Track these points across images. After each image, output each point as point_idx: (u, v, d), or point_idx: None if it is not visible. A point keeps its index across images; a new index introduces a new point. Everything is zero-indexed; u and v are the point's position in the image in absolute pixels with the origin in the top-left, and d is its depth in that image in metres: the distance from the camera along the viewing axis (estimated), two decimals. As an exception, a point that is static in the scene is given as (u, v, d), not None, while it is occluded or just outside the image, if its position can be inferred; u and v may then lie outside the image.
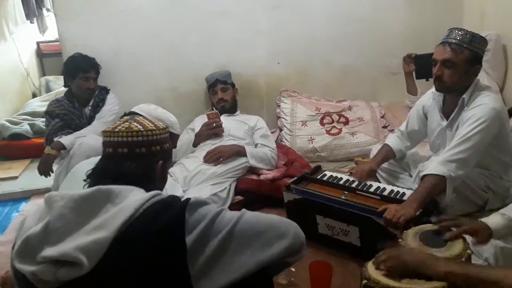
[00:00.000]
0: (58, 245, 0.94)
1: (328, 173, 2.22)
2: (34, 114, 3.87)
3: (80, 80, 2.60)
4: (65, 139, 2.47)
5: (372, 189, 2.03)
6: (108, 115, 2.66)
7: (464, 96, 1.93)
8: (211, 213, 1.02)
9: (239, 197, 2.46)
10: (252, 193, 2.43)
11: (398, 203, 1.78)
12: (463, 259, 1.25)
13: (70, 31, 2.88)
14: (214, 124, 2.73)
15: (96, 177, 1.15)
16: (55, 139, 2.50)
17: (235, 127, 2.80)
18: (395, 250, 1.27)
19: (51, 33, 5.29)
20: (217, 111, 2.82)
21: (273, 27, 3.15)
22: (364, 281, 1.21)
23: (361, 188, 2.02)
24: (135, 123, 1.17)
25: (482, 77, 2.43)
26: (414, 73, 2.64)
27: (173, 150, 1.93)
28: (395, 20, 3.28)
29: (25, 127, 3.59)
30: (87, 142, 2.38)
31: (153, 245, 0.96)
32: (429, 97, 2.16)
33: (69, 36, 2.88)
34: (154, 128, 1.17)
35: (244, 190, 2.46)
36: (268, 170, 2.62)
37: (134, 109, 1.90)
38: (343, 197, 1.92)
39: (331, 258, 1.85)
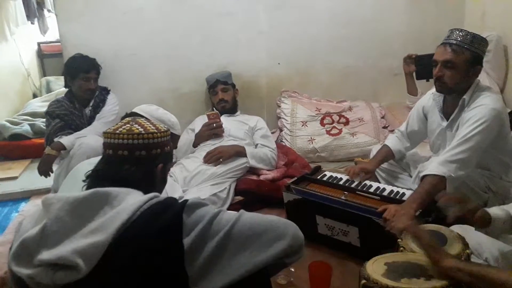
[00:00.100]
0: (55, 248, 0.93)
1: (328, 174, 2.22)
2: (34, 115, 3.87)
3: (81, 80, 2.61)
4: (65, 140, 2.47)
5: (372, 189, 2.03)
6: (108, 115, 2.67)
7: (464, 96, 1.92)
8: (208, 215, 1.02)
9: (239, 198, 2.46)
10: (252, 193, 2.43)
11: (398, 204, 1.78)
12: (462, 259, 1.25)
13: (71, 32, 2.88)
14: (214, 125, 2.73)
15: (95, 179, 1.14)
16: (55, 139, 2.50)
17: (235, 127, 2.80)
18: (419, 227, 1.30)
19: (52, 34, 5.31)
20: (217, 111, 2.82)
21: (274, 28, 3.15)
22: (363, 281, 1.21)
23: (361, 189, 2.02)
24: (136, 125, 1.16)
25: (483, 78, 2.44)
26: (414, 73, 2.64)
27: (173, 150, 1.94)
28: (396, 21, 3.28)
29: (25, 128, 3.59)
30: (87, 143, 2.38)
31: (150, 248, 0.96)
32: (429, 97, 2.15)
33: (70, 37, 2.88)
34: (155, 131, 1.16)
35: (244, 190, 2.46)
36: (268, 170, 2.62)
37: (135, 110, 1.91)
38: (343, 197, 1.92)
39: (330, 258, 1.85)
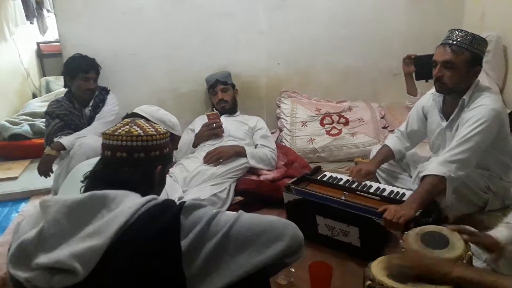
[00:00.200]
0: (52, 252, 0.93)
1: (328, 174, 2.22)
2: (34, 115, 3.87)
3: (80, 80, 2.60)
4: (65, 140, 2.47)
5: (372, 190, 2.03)
6: (108, 115, 2.66)
7: (464, 97, 1.93)
8: (206, 216, 1.02)
9: (239, 198, 2.46)
10: (252, 193, 2.43)
11: (398, 204, 1.78)
12: (464, 261, 1.25)
13: (70, 31, 2.88)
14: (214, 125, 2.73)
15: (93, 180, 1.14)
16: (55, 139, 2.50)
17: (235, 127, 2.80)
18: (401, 259, 1.25)
19: (51, 34, 5.30)
20: (217, 111, 2.82)
21: (274, 28, 3.15)
22: (368, 282, 1.20)
23: (361, 189, 2.02)
24: (135, 127, 1.15)
25: (482, 78, 2.44)
26: (414, 74, 2.64)
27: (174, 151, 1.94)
28: (396, 21, 3.28)
29: (25, 128, 3.59)
30: (87, 143, 2.38)
31: (148, 250, 0.95)
32: (428, 97, 2.16)
33: (69, 37, 2.88)
34: (154, 133, 1.15)
35: (244, 190, 2.46)
36: (268, 170, 2.62)
37: (136, 110, 1.90)
38: (343, 197, 1.92)
39: (331, 258, 1.85)
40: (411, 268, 1.17)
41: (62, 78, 2.79)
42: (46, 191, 2.74)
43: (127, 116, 1.84)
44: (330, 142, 3.02)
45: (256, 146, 2.76)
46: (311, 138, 3.04)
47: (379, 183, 2.20)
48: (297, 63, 3.26)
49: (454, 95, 1.97)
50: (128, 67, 3.00)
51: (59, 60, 3.21)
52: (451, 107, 2.00)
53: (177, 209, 1.01)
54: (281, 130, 3.16)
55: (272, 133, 3.07)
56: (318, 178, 2.16)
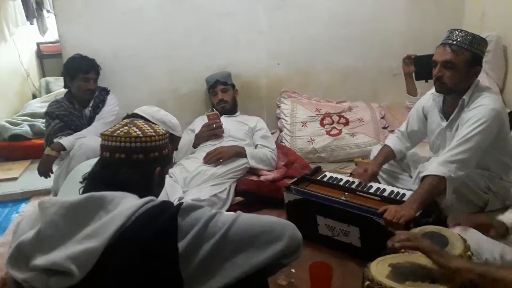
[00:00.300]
0: (49, 254, 0.93)
1: (328, 174, 2.22)
2: (34, 115, 3.87)
3: (80, 81, 2.60)
4: (65, 140, 2.47)
5: (372, 190, 2.03)
6: (108, 116, 2.66)
7: (464, 97, 1.93)
8: (204, 217, 1.01)
9: (239, 198, 2.46)
10: (252, 194, 2.43)
11: (398, 204, 1.78)
12: (465, 260, 1.25)
13: (70, 32, 2.88)
14: (214, 125, 2.73)
15: (91, 181, 1.14)
16: (55, 140, 2.50)
17: (235, 128, 2.80)
18: (413, 234, 1.26)
19: (51, 34, 5.30)
20: (217, 112, 2.82)
21: (274, 28, 3.15)
22: (367, 282, 1.20)
23: (361, 189, 2.02)
24: (134, 128, 1.14)
25: (482, 78, 2.44)
26: (413, 74, 2.65)
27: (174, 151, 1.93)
28: (396, 21, 3.28)
29: (25, 128, 3.58)
30: (87, 143, 2.38)
31: (145, 252, 0.95)
32: (428, 97, 2.16)
33: (69, 37, 2.88)
34: (153, 134, 1.15)
35: (244, 191, 2.46)
36: (268, 171, 2.62)
37: (136, 111, 1.90)
38: (343, 198, 1.92)
39: (331, 258, 1.85)
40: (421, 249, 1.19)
41: (62, 78, 2.79)
42: (46, 192, 2.74)
43: (127, 116, 1.84)
44: (330, 143, 3.02)
45: (256, 146, 2.76)
46: (311, 138, 3.04)
47: (379, 183, 2.19)
48: (297, 63, 3.26)
49: (454, 95, 1.97)
50: (128, 67, 3.00)
51: (59, 61, 3.22)
52: (451, 107, 2.00)
53: (175, 210, 1.01)
54: (281, 131, 3.16)
55: (272, 133, 3.07)
56: (318, 178, 2.16)
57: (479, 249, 1.48)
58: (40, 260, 0.92)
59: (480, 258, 1.49)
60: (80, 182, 1.17)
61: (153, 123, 1.44)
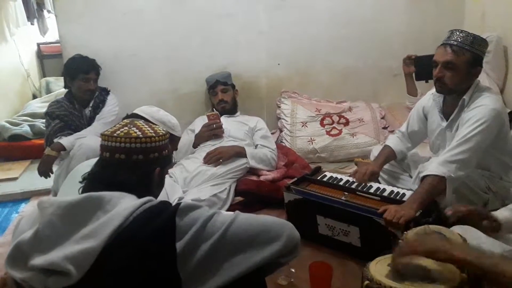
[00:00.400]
0: (47, 254, 0.93)
1: (328, 174, 2.22)
2: (34, 115, 3.87)
3: (80, 81, 2.61)
4: (65, 140, 2.47)
5: (372, 190, 2.03)
6: (108, 116, 2.66)
7: (464, 97, 1.92)
8: (202, 217, 1.01)
9: (239, 198, 2.46)
10: (252, 194, 2.43)
11: (398, 204, 1.78)
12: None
13: (70, 32, 2.88)
14: (214, 125, 2.73)
15: (91, 181, 1.14)
16: (55, 140, 2.50)
17: (235, 128, 2.80)
18: (406, 244, 1.24)
19: (52, 35, 5.31)
20: (217, 112, 2.82)
21: (274, 28, 3.15)
22: (366, 282, 1.20)
23: (361, 189, 2.02)
24: (134, 129, 1.14)
25: (483, 79, 2.43)
26: (414, 74, 2.64)
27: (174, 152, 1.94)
28: (396, 21, 3.28)
29: (25, 128, 3.59)
30: (87, 143, 2.38)
31: (143, 252, 0.95)
32: (429, 98, 2.16)
33: (70, 38, 2.89)
34: (153, 135, 1.14)
35: (244, 191, 2.46)
36: (268, 171, 2.62)
37: (136, 111, 1.90)
38: (343, 197, 1.92)
39: (331, 258, 1.85)
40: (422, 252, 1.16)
41: (62, 78, 2.79)
42: (46, 192, 2.74)
43: (127, 116, 1.84)
44: (330, 143, 3.02)
45: (256, 146, 2.76)
46: (311, 138, 3.04)
47: (380, 183, 2.19)
48: (297, 64, 3.27)
49: (454, 95, 1.97)
50: (128, 68, 3.00)
51: (59, 61, 3.22)
52: (451, 107, 2.00)
53: (173, 210, 1.01)
54: (281, 131, 3.16)
55: (272, 133, 3.07)
56: (318, 178, 2.16)
57: (480, 248, 1.47)
58: (38, 260, 0.92)
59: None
60: (80, 182, 1.17)
61: (153, 123, 1.44)
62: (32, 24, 5.06)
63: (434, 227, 1.42)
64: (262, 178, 2.54)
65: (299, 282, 1.74)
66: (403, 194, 1.96)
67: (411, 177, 2.20)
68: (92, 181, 1.13)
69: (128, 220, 0.97)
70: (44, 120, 2.85)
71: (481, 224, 1.34)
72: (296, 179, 2.13)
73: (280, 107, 3.22)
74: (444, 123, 2.03)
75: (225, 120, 2.81)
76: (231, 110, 2.94)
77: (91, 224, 0.96)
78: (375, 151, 2.41)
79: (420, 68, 2.55)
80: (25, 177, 3.11)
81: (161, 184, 1.22)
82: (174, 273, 0.96)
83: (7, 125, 3.59)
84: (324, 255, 1.91)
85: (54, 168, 2.52)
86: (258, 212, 2.31)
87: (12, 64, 4.49)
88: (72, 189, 1.55)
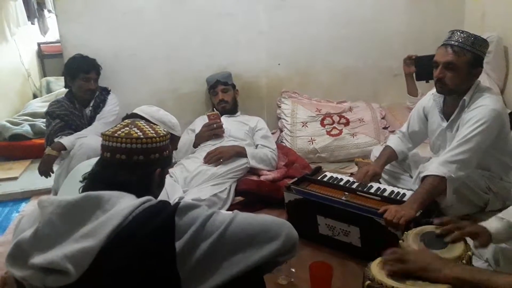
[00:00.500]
0: (46, 253, 0.93)
1: (329, 174, 2.22)
2: (34, 115, 3.87)
3: (81, 81, 2.61)
4: (65, 140, 2.47)
5: (372, 190, 2.03)
6: (108, 115, 2.66)
7: (465, 97, 1.93)
8: (201, 217, 1.02)
9: (239, 198, 2.46)
10: (252, 194, 2.43)
11: (398, 204, 1.78)
12: (463, 261, 1.25)
13: (71, 32, 2.88)
14: (215, 125, 2.73)
15: (91, 181, 1.14)
16: (56, 139, 2.50)
17: (236, 128, 2.80)
18: (402, 253, 1.24)
19: (52, 34, 5.30)
20: (217, 112, 2.82)
21: (274, 28, 3.15)
22: (368, 282, 1.20)
23: (361, 189, 2.02)
24: (135, 129, 1.14)
25: (483, 79, 2.44)
26: (414, 74, 2.64)
27: (173, 151, 1.93)
28: (396, 22, 3.28)
29: (25, 128, 3.59)
30: (87, 143, 2.38)
31: (142, 251, 0.96)
32: (429, 98, 2.16)
33: (70, 37, 2.89)
34: (154, 135, 1.14)
35: (245, 190, 2.46)
36: (268, 171, 2.62)
37: (135, 111, 1.90)
38: (343, 197, 1.92)
39: (331, 258, 1.85)
40: (409, 268, 1.17)
41: (62, 78, 2.79)
42: (47, 191, 2.74)
43: (127, 116, 1.84)
44: (331, 143, 3.02)
45: (256, 146, 2.76)
46: (311, 138, 3.04)
47: (380, 183, 2.19)
48: (297, 64, 3.27)
49: (455, 96, 1.97)
50: (129, 67, 3.00)
51: (59, 61, 3.22)
52: (452, 107, 2.00)
53: (172, 210, 1.01)
54: (281, 131, 3.16)
55: (272, 133, 3.07)
56: (319, 178, 2.16)
57: (481, 249, 1.48)
58: (38, 259, 0.93)
59: (481, 257, 1.50)
60: (80, 182, 1.17)
61: (154, 123, 1.44)
62: (32, 23, 5.06)
63: (434, 227, 1.42)
64: (262, 178, 2.54)
65: (299, 282, 1.74)
66: (404, 194, 1.96)
67: (411, 177, 2.20)
68: (93, 181, 1.14)
69: (127, 219, 0.97)
70: (44, 120, 2.85)
71: (474, 241, 1.34)
72: (296, 179, 2.13)
73: (280, 107, 3.22)
74: (445, 124, 2.03)
75: (225, 120, 2.81)
76: (232, 110, 2.94)
77: (90, 223, 0.97)
78: (376, 151, 2.41)
79: (420, 68, 2.55)
80: (25, 176, 3.11)
81: (161, 185, 1.22)
82: (173, 272, 0.96)
83: (8, 124, 3.59)
84: (325, 255, 1.90)
85: (55, 167, 2.52)
86: (259, 212, 2.30)
87: (12, 63, 4.49)
88: (72, 189, 1.55)
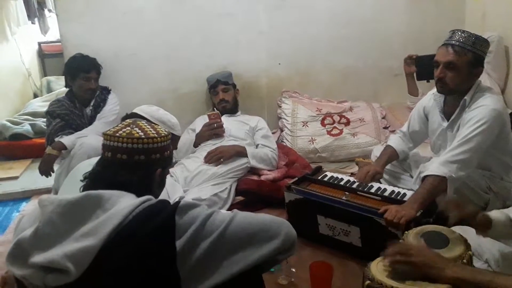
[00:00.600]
0: (47, 252, 0.94)
1: (329, 174, 2.22)
2: (35, 114, 3.88)
3: (81, 80, 2.61)
4: (66, 139, 2.47)
5: (373, 190, 2.03)
6: (109, 115, 2.67)
7: (465, 97, 1.92)
8: (201, 216, 1.02)
9: (239, 198, 2.46)
10: (252, 193, 2.43)
11: (399, 204, 1.78)
12: (464, 261, 1.25)
13: (71, 32, 2.88)
14: (215, 125, 2.73)
15: (92, 180, 1.14)
16: (56, 139, 2.51)
17: (236, 127, 2.80)
18: (405, 247, 1.25)
19: (53, 34, 5.31)
20: (218, 111, 2.82)
21: (274, 28, 3.15)
22: (367, 282, 1.20)
23: (362, 189, 2.02)
24: (136, 129, 1.14)
25: (484, 79, 2.43)
26: (415, 74, 2.64)
27: (174, 151, 1.93)
28: (396, 22, 3.28)
29: (26, 127, 3.59)
30: (88, 142, 2.38)
31: (142, 250, 0.96)
32: (429, 98, 2.15)
33: (71, 37, 2.89)
34: (155, 135, 1.14)
35: (245, 190, 2.46)
36: (269, 170, 2.62)
37: (135, 110, 1.90)
38: (344, 197, 1.92)
39: (331, 258, 1.85)
40: (411, 264, 1.17)
41: (63, 78, 2.79)
42: (47, 191, 2.74)
43: (127, 116, 1.83)
44: (331, 142, 3.02)
45: (257, 146, 2.76)
46: (312, 138, 3.04)
47: (380, 183, 2.19)
48: (297, 63, 3.27)
49: (455, 96, 1.96)
50: (129, 67, 3.01)
51: (60, 60, 3.23)
52: (452, 107, 2.00)
53: (172, 209, 1.02)
54: (282, 130, 3.16)
55: (273, 133, 3.07)
56: (319, 178, 2.16)
57: (479, 249, 1.48)
58: (38, 258, 0.93)
59: (480, 258, 1.50)
60: (81, 181, 1.17)
61: (154, 123, 1.44)
62: (33, 23, 5.06)
63: (435, 227, 1.42)
64: (263, 177, 2.54)
65: (299, 282, 1.74)
66: (404, 194, 1.96)
67: (412, 177, 2.20)
68: (93, 181, 1.14)
69: (127, 218, 0.97)
70: (45, 119, 2.86)
71: (475, 220, 1.34)
72: (296, 178, 2.13)
73: (281, 106, 3.22)
74: (445, 123, 2.03)
75: (226, 120, 2.81)
76: (232, 110, 2.94)
77: (90, 223, 0.97)
78: (376, 151, 2.40)
79: (421, 67, 2.55)
80: (26, 176, 3.11)
81: (162, 185, 1.22)
82: (173, 271, 0.97)
83: (8, 124, 3.59)
84: (325, 254, 1.91)
85: (55, 167, 2.52)
86: (259, 211, 2.30)
87: (13, 63, 4.49)
88: (72, 188, 1.55)
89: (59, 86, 4.57)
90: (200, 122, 2.86)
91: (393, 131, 2.95)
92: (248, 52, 3.16)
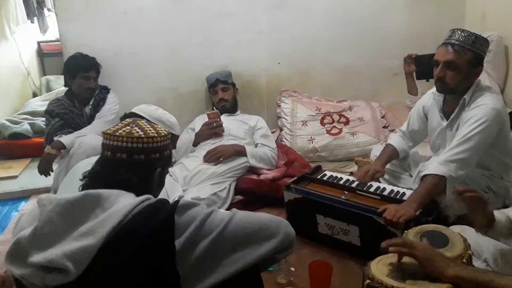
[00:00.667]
0: (46, 251, 0.94)
1: (328, 173, 2.22)
2: (34, 114, 3.87)
3: (81, 79, 2.61)
4: (65, 139, 2.47)
5: (372, 189, 2.03)
6: (108, 114, 2.67)
7: (465, 96, 1.92)
8: (201, 215, 1.02)
9: (239, 197, 2.46)
10: (252, 192, 2.43)
11: (398, 203, 1.78)
12: (464, 260, 1.25)
13: (71, 31, 2.88)
14: (215, 124, 2.73)
15: (91, 180, 1.14)
16: (55, 138, 2.51)
17: (236, 127, 2.80)
18: (409, 240, 1.25)
19: (52, 33, 5.30)
20: (217, 111, 2.82)
21: (274, 27, 3.15)
22: (367, 281, 1.20)
23: (361, 188, 2.02)
24: (136, 128, 1.14)
25: (483, 78, 2.43)
26: (414, 73, 2.64)
27: (173, 150, 1.94)
28: (396, 21, 3.28)
29: (25, 127, 3.59)
30: (87, 142, 2.38)
31: (142, 249, 0.96)
32: (429, 97, 2.15)
33: (70, 36, 2.89)
34: (155, 135, 1.14)
35: (244, 189, 2.46)
36: (268, 170, 2.62)
37: (134, 110, 1.90)
38: (343, 197, 1.92)
39: (331, 257, 1.85)
40: (414, 257, 1.17)
41: (62, 77, 2.79)
42: (46, 190, 2.74)
43: (125, 115, 1.84)
44: (331, 142, 3.02)
45: (256, 145, 2.76)
46: (311, 137, 3.04)
47: (380, 182, 2.19)
48: (297, 63, 3.26)
49: (455, 95, 1.96)
50: (128, 66, 3.00)
51: (59, 59, 3.22)
52: (452, 106, 2.00)
53: (171, 208, 1.02)
54: (281, 130, 3.16)
55: (272, 132, 3.07)
56: (318, 177, 2.16)
57: (478, 248, 1.48)
58: (37, 257, 0.93)
59: (479, 257, 1.50)
60: (80, 180, 1.17)
61: (154, 123, 1.44)
62: (32, 22, 5.06)
63: (435, 227, 1.43)
64: (262, 177, 2.54)
65: (299, 281, 1.74)
66: (403, 193, 1.96)
67: (411, 176, 2.20)
68: (93, 180, 1.14)
69: (127, 217, 0.97)
70: (44, 119, 2.85)
71: (482, 212, 1.34)
72: (296, 178, 2.13)
73: (280, 106, 3.22)
74: (445, 123, 2.03)
75: (225, 119, 2.81)
76: (232, 109, 2.94)
77: (89, 222, 0.97)
78: (375, 150, 2.41)
79: (420, 67, 2.55)
80: (25, 175, 3.11)
81: (161, 184, 1.22)
82: (173, 270, 0.97)
83: (7, 123, 3.59)
84: (324, 254, 1.91)
85: (54, 166, 2.52)
86: (258, 211, 2.30)
87: (12, 62, 4.49)
88: (72, 187, 1.55)
89: (59, 85, 4.56)
90: (200, 121, 2.86)
91: (392, 130, 2.95)
92: (248, 52, 3.15)
